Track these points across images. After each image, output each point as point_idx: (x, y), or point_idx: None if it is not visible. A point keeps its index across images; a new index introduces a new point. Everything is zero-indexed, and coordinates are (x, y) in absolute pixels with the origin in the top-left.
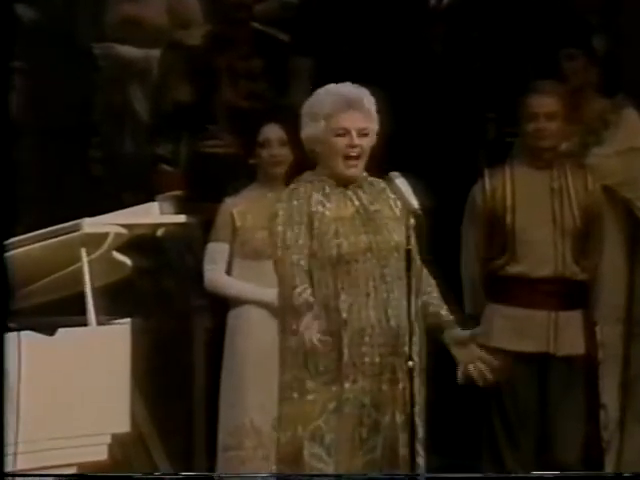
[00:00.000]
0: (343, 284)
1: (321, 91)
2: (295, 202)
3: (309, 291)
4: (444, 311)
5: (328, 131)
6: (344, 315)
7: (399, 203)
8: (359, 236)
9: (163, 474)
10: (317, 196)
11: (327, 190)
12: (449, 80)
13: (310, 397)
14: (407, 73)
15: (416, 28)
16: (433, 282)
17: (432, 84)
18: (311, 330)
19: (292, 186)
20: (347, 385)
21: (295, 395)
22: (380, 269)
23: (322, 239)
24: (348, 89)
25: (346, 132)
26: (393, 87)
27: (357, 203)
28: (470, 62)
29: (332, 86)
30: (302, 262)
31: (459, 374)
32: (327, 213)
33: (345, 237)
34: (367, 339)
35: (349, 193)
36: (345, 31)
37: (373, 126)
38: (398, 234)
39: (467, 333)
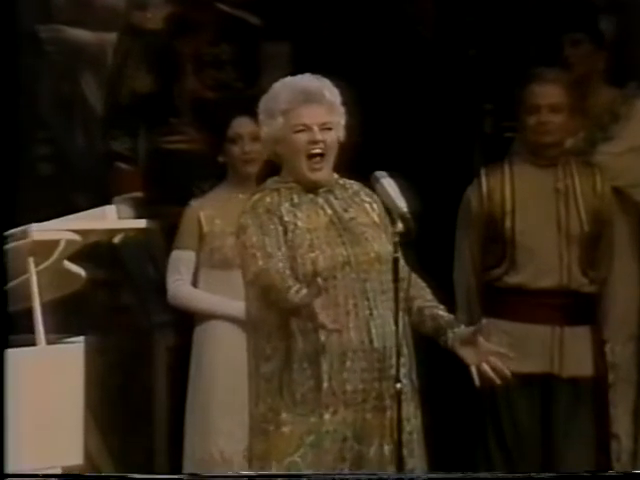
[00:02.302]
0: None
1: (277, 85)
2: (263, 212)
3: (305, 290)
4: (442, 311)
5: (287, 128)
6: (322, 338)
7: (376, 206)
8: (336, 249)
9: (162, 474)
10: (287, 205)
11: (296, 200)
12: (441, 69)
13: (285, 429)
14: (393, 61)
15: (403, 11)
16: (424, 284)
17: (421, 73)
18: (326, 314)
19: (256, 196)
20: (327, 416)
21: (271, 427)
22: (361, 284)
23: (296, 253)
24: (306, 81)
25: (306, 128)
26: (377, 76)
27: (330, 211)
28: (464, 49)
29: (289, 79)
30: (288, 272)
31: (474, 376)
32: (299, 224)
33: (321, 250)
34: (348, 364)
35: (320, 200)
36: (323, 14)
37: (338, 119)
38: (378, 243)
39: (471, 329)
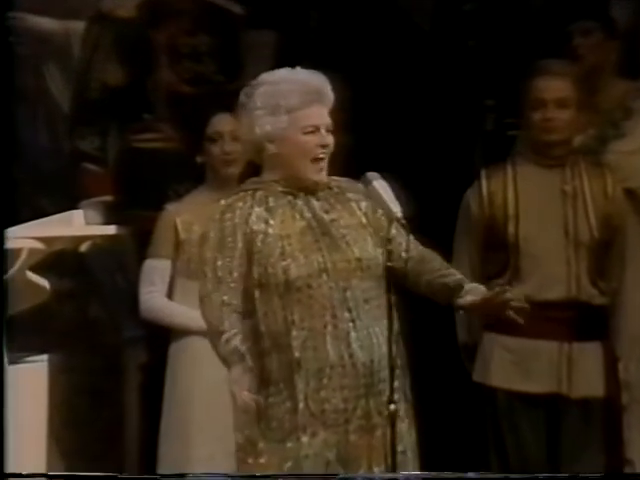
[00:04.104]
0: (293, 316)
1: (277, 78)
2: (229, 221)
3: (239, 338)
4: (450, 277)
5: (293, 128)
6: (296, 354)
7: (363, 205)
8: (311, 255)
9: (163, 474)
10: (259, 211)
11: (271, 203)
12: (438, 61)
13: (262, 460)
14: (387, 53)
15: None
16: (431, 255)
17: (417, 66)
18: (241, 385)
19: (229, 199)
20: (305, 439)
21: (250, 460)
22: (340, 293)
23: (266, 262)
24: (313, 78)
25: (315, 129)
26: (371, 70)
27: (308, 214)
28: (463, 39)
29: (289, 73)
30: (234, 301)
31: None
32: (270, 231)
33: (293, 258)
34: (325, 381)
35: (298, 203)
36: (312, 1)
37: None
38: (360, 247)
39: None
